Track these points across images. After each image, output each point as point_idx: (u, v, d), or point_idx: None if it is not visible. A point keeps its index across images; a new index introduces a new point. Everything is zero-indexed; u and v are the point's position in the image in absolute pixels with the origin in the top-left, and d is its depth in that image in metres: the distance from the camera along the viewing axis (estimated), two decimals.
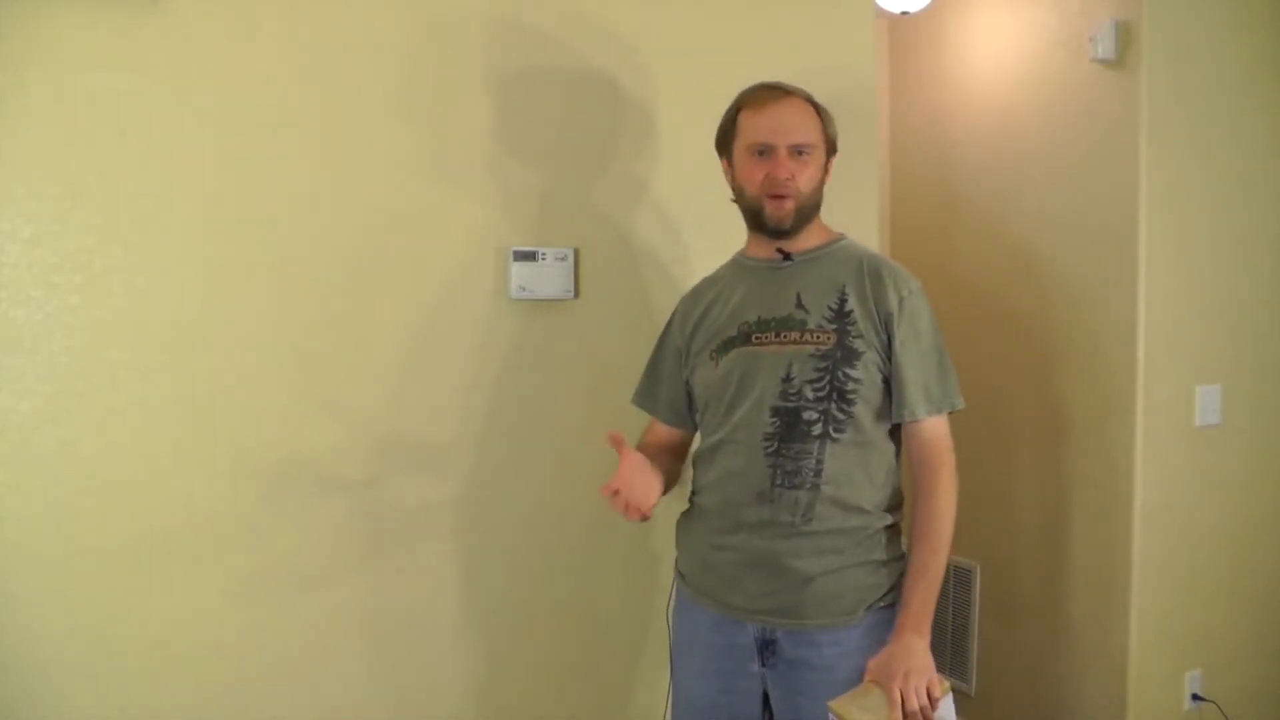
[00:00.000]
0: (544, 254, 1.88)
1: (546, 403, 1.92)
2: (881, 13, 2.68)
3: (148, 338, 1.65)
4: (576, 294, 1.92)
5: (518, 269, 1.86)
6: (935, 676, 1.45)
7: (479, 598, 1.89)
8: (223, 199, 1.69)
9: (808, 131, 1.57)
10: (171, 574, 1.68)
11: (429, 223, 1.82)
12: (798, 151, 1.56)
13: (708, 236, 1.99)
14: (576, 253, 1.92)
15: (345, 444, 1.78)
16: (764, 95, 1.59)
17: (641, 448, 1.72)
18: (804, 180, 1.56)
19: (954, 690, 2.99)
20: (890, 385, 1.55)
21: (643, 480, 1.51)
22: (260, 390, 1.72)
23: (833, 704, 1.42)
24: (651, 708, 1.98)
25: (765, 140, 1.56)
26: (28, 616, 1.60)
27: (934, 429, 1.57)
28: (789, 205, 1.56)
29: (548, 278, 1.88)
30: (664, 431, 1.74)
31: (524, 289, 1.87)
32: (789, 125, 1.56)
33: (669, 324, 1.74)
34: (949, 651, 2.90)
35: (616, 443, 1.51)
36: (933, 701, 1.42)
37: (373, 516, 1.81)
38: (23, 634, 1.60)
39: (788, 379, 1.52)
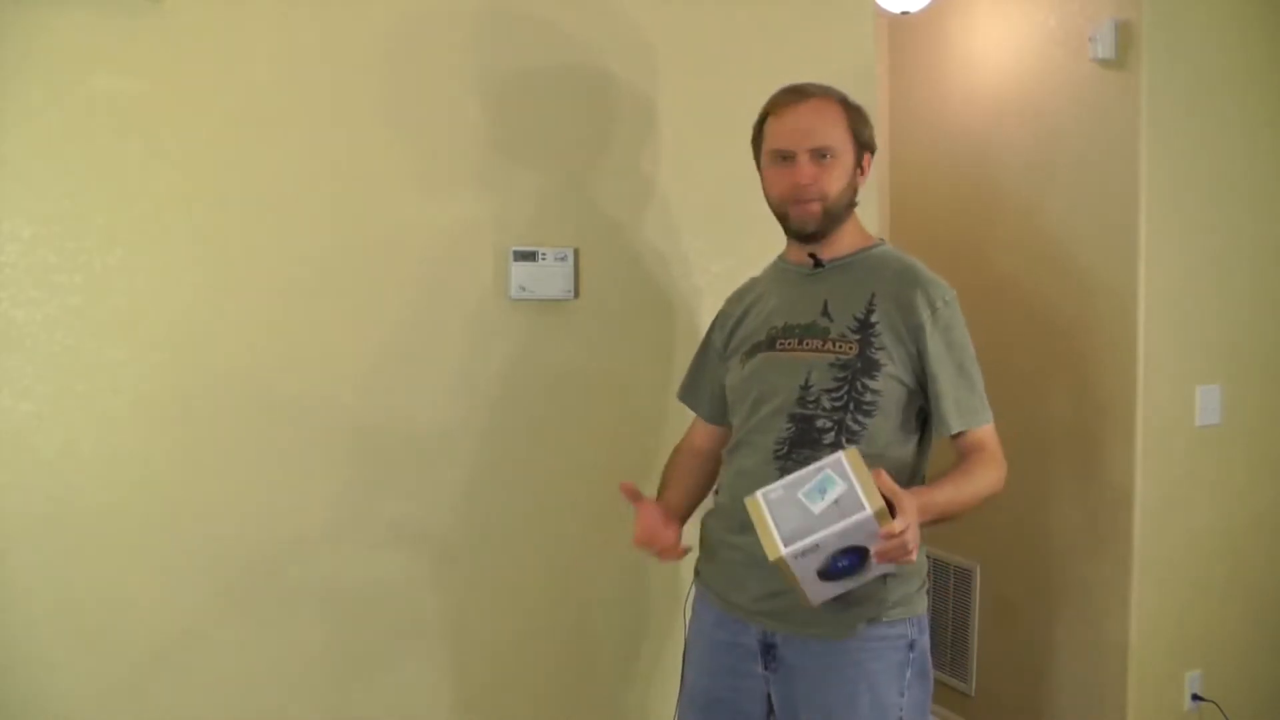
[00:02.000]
0: (544, 254, 1.88)
1: (546, 402, 1.92)
2: (881, 13, 2.68)
3: (148, 338, 1.65)
4: (576, 294, 1.92)
5: (518, 269, 1.86)
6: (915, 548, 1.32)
7: (476, 594, 1.89)
8: (223, 199, 1.69)
9: (829, 135, 1.54)
10: (171, 573, 1.68)
11: (429, 223, 1.82)
12: (820, 155, 1.53)
13: (708, 237, 1.99)
14: (576, 253, 1.92)
15: (344, 443, 1.78)
16: (785, 100, 1.57)
17: (680, 453, 1.75)
18: (828, 183, 1.53)
19: (954, 690, 2.99)
20: (912, 397, 1.52)
21: (660, 531, 1.58)
22: (260, 389, 1.72)
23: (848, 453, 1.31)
24: (648, 705, 1.98)
25: (785, 146, 1.54)
26: (27, 616, 1.60)
27: (983, 436, 1.54)
28: (815, 208, 1.54)
29: (548, 278, 1.88)
30: (704, 429, 1.74)
31: (524, 289, 1.87)
32: (808, 129, 1.53)
33: (714, 322, 1.74)
34: (949, 651, 2.90)
35: (630, 493, 1.58)
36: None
37: (371, 514, 1.81)
38: (22, 634, 1.60)
39: (806, 386, 1.51)
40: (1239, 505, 2.45)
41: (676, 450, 1.77)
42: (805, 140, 1.53)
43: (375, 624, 1.83)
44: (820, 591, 1.34)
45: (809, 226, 1.56)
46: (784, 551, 1.23)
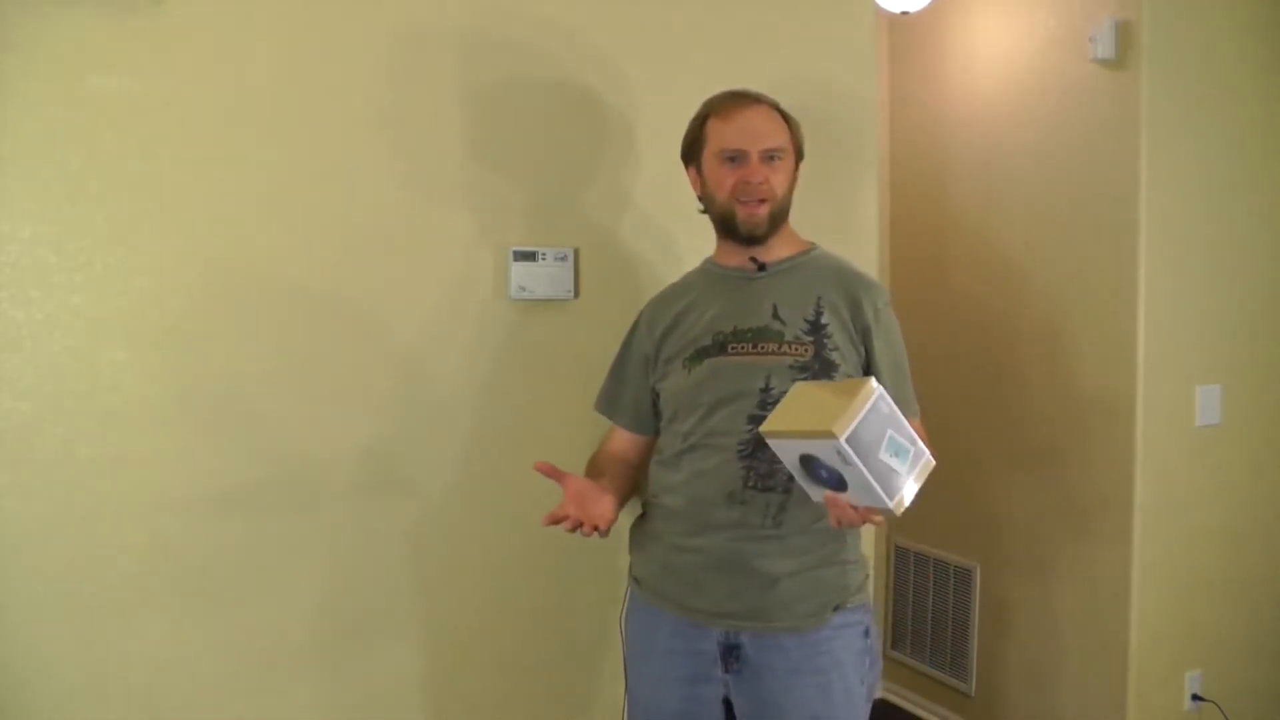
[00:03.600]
0: (544, 254, 1.88)
1: (545, 403, 1.92)
2: (881, 13, 2.68)
3: (148, 338, 1.65)
4: (576, 294, 1.92)
5: (517, 269, 1.86)
6: None
7: (471, 591, 1.89)
8: (223, 200, 1.69)
9: (778, 137, 1.57)
10: (170, 573, 1.68)
11: (429, 223, 1.82)
12: (769, 157, 1.56)
13: (707, 238, 1.98)
14: (577, 253, 1.92)
15: (343, 443, 1.78)
16: (733, 102, 1.59)
17: (599, 457, 1.73)
18: (777, 184, 1.57)
19: (954, 690, 2.99)
20: None
21: (594, 500, 1.52)
22: (260, 390, 1.72)
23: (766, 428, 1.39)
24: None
25: (737, 146, 1.56)
26: (28, 617, 1.60)
27: (915, 427, 1.60)
28: (764, 210, 1.56)
29: (547, 278, 1.88)
30: (624, 439, 1.73)
31: (524, 289, 1.87)
32: (760, 131, 1.56)
33: (634, 330, 1.73)
34: (949, 651, 2.90)
35: (548, 473, 1.52)
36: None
37: (372, 515, 1.81)
38: (22, 635, 1.60)
39: (766, 389, 1.51)
40: (1239, 505, 2.46)
41: (597, 454, 1.75)
42: (758, 141, 1.56)
43: (374, 622, 1.83)
44: (784, 455, 1.38)
45: (759, 229, 1.57)
46: (841, 440, 1.25)
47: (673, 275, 1.96)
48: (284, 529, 1.75)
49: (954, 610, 2.88)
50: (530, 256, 1.87)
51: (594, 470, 1.69)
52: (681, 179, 1.97)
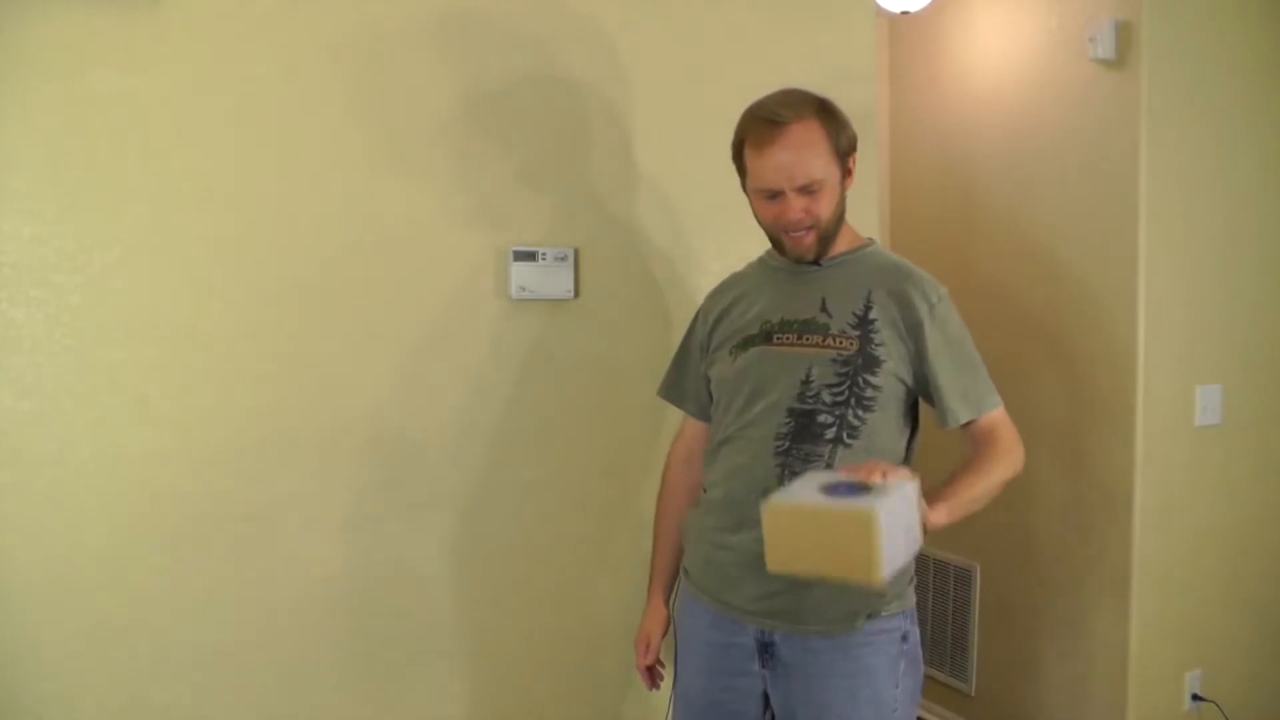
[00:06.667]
0: (544, 254, 1.88)
1: (546, 403, 1.92)
2: (881, 13, 2.68)
3: (148, 338, 1.65)
4: (576, 294, 1.92)
5: (518, 269, 1.86)
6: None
7: (476, 596, 1.89)
8: (223, 199, 1.69)
9: (814, 167, 1.49)
10: (171, 574, 1.68)
11: (429, 223, 1.82)
12: (808, 190, 1.50)
13: (708, 236, 1.99)
14: (576, 253, 1.92)
15: (345, 445, 1.78)
16: (764, 133, 1.49)
17: (671, 470, 1.78)
18: (820, 210, 1.52)
19: (954, 690, 2.99)
20: (909, 394, 1.54)
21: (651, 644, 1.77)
22: (260, 390, 1.72)
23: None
24: (650, 706, 1.98)
25: (771, 186, 1.51)
26: (28, 617, 1.60)
27: (993, 422, 1.56)
28: (809, 239, 1.53)
29: (548, 278, 1.88)
30: (695, 427, 1.75)
31: (524, 289, 1.87)
32: (792, 167, 1.49)
33: (695, 319, 1.75)
34: (949, 651, 2.90)
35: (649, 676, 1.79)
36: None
37: (371, 518, 1.81)
38: (23, 634, 1.60)
39: (806, 381, 1.51)
40: (1239, 505, 2.46)
41: (667, 471, 1.78)
42: (792, 180, 1.49)
43: (372, 624, 1.83)
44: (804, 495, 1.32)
45: (807, 256, 1.56)
46: (885, 575, 1.21)
47: (676, 275, 1.97)
48: (282, 527, 1.75)
49: (954, 610, 2.88)
50: (530, 256, 1.87)
51: (662, 520, 1.78)
52: (683, 178, 1.98)
